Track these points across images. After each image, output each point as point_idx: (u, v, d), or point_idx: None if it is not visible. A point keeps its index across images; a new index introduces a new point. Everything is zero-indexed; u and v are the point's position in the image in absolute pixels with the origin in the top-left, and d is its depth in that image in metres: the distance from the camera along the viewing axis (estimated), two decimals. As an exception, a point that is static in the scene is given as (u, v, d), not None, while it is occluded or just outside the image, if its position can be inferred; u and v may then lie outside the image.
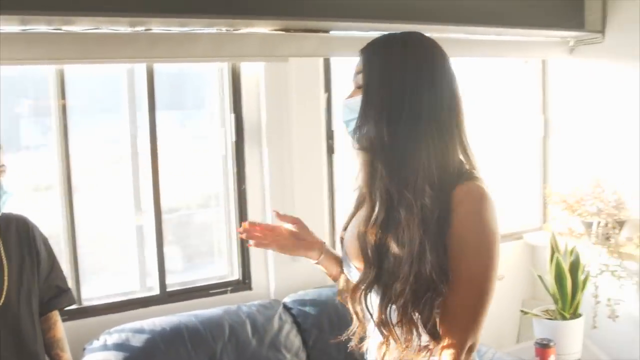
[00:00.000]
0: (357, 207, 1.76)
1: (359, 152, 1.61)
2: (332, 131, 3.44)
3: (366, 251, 1.57)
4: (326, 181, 3.43)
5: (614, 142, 3.74)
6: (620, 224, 3.58)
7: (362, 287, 1.58)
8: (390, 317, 1.53)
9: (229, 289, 3.22)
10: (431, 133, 1.52)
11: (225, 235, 3.31)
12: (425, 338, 1.52)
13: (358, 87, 1.60)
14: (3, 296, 2.11)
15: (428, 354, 1.52)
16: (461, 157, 1.56)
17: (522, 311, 3.77)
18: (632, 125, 3.64)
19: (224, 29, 2.92)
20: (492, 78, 4.15)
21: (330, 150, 3.44)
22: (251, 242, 1.83)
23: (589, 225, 3.59)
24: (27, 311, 2.20)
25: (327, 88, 3.40)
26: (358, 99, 1.58)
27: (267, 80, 3.18)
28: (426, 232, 1.47)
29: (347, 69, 3.33)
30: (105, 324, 2.82)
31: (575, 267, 3.43)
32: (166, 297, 3.08)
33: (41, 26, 2.56)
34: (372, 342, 1.70)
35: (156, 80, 2.99)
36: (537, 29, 3.71)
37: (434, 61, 1.56)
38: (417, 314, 1.49)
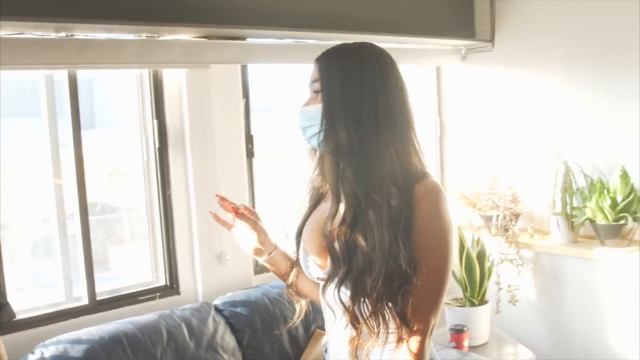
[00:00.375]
0: (312, 207, 1.87)
1: (324, 156, 1.73)
2: (252, 135, 3.51)
3: (334, 249, 1.67)
4: (247, 184, 3.50)
5: (506, 141, 4.08)
6: (516, 216, 3.91)
7: (333, 284, 1.67)
8: (363, 310, 1.64)
9: (158, 294, 3.21)
10: (392, 136, 1.66)
11: (150, 241, 3.29)
12: (392, 326, 1.65)
13: (315, 93, 1.71)
14: None
15: (398, 342, 1.65)
16: (415, 158, 1.70)
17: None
18: (521, 125, 4.00)
19: (148, 36, 2.92)
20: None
21: (250, 154, 3.51)
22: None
23: (488, 219, 3.89)
24: None
25: (245, 94, 3.48)
26: (316, 107, 1.69)
27: (189, 86, 3.20)
28: (396, 230, 1.59)
29: (261, 76, 3.48)
30: (37, 337, 2.74)
31: (481, 256, 3.71)
32: (96, 306, 3.02)
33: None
34: (334, 338, 1.81)
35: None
36: (432, 38, 3.93)
37: (386, 68, 1.71)
38: (390, 305, 1.61)
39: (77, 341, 2.70)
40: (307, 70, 3.30)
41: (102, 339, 2.73)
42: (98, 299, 3.06)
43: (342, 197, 1.67)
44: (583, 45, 3.71)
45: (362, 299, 1.63)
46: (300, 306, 1.94)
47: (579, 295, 3.79)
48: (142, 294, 3.20)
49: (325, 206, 1.79)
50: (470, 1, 4.13)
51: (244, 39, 3.24)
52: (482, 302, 3.72)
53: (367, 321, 1.63)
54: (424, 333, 1.62)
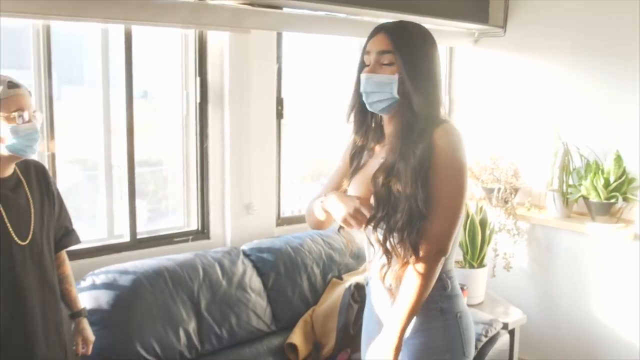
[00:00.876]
0: (358, 163, 2.17)
1: (395, 119, 2.03)
2: (282, 98, 3.81)
3: (379, 195, 1.99)
4: (275, 141, 3.80)
5: (510, 121, 4.41)
6: (516, 190, 4.24)
7: (374, 221, 1.99)
8: (392, 241, 1.96)
9: (190, 237, 3.52)
10: (440, 99, 2.02)
11: (185, 189, 3.58)
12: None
13: (384, 64, 1.98)
14: (30, 233, 2.31)
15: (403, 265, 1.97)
16: (442, 110, 2.04)
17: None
18: (525, 107, 4.33)
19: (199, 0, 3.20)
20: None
21: (279, 115, 3.80)
22: None
23: (490, 191, 4.22)
24: (47, 247, 2.40)
25: (279, 59, 3.76)
26: (387, 77, 1.96)
27: (231, 48, 3.47)
28: (417, 176, 1.91)
29: (294, 44, 3.74)
30: (83, 267, 3.03)
31: (483, 223, 4.04)
32: (136, 243, 3.33)
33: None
34: (373, 270, 2.13)
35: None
36: (447, 20, 4.22)
37: (435, 46, 2.06)
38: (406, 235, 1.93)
39: (125, 272, 3.01)
40: (335, 40, 3.64)
41: (147, 272, 3.04)
42: (138, 237, 3.35)
43: (396, 150, 1.98)
44: (587, 38, 4.03)
45: (392, 233, 1.96)
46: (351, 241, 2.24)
47: (568, 266, 4.14)
48: (177, 236, 3.51)
49: (373, 161, 2.10)
50: (486, -13, 4.44)
51: (281, 8, 3.52)
52: (481, 265, 4.05)
53: (395, 248, 1.95)
54: (429, 252, 1.92)
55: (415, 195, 1.91)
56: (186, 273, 3.12)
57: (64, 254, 2.60)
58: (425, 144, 1.93)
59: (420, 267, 1.92)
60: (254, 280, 3.35)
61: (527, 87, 4.32)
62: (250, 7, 3.35)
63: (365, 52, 2.04)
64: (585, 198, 3.93)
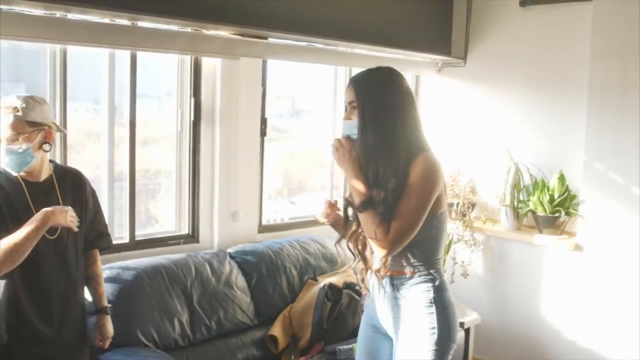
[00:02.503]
0: None
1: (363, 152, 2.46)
2: (265, 118, 4.25)
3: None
4: (258, 156, 4.24)
5: (469, 142, 4.91)
6: (473, 205, 4.73)
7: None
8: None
9: (182, 240, 3.92)
10: (407, 133, 2.42)
11: (177, 197, 3.99)
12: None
13: (353, 109, 2.44)
14: (58, 231, 2.67)
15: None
16: (421, 142, 2.46)
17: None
18: (482, 130, 4.84)
19: (195, 29, 3.60)
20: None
21: (263, 133, 4.25)
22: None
23: (450, 206, 4.69)
24: (72, 245, 2.75)
25: (263, 83, 4.21)
26: (354, 122, 2.42)
27: (223, 73, 3.90)
28: (395, 194, 2.37)
29: (283, 72, 4.17)
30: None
31: (443, 234, 4.51)
32: (134, 244, 3.72)
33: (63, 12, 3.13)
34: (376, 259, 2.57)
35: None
36: (414, 51, 4.72)
37: (402, 89, 2.46)
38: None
39: (127, 268, 3.40)
40: (313, 68, 4.10)
41: (146, 268, 3.43)
42: (136, 239, 3.75)
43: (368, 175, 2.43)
44: (535, 71, 4.58)
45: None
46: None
47: (519, 273, 4.62)
48: (170, 239, 3.91)
49: None
50: (449, 24, 4.96)
51: (266, 38, 3.96)
52: (441, 272, 4.51)
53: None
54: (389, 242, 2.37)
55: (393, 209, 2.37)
56: (180, 270, 3.52)
57: (95, 254, 2.94)
58: (401, 175, 2.36)
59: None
60: (239, 279, 3.76)
61: (484, 112, 4.83)
62: (240, 37, 3.78)
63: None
64: (533, 212, 4.42)
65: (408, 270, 2.48)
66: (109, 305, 2.96)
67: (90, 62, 3.72)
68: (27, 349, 2.61)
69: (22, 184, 2.61)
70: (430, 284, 2.47)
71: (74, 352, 2.80)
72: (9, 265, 2.46)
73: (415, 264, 2.46)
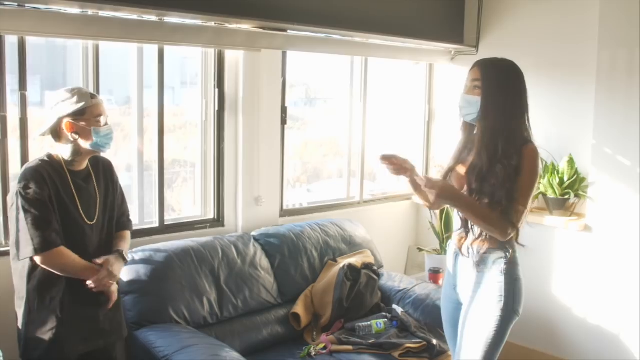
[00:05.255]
0: (457, 160, 2.89)
1: (474, 129, 2.77)
2: (286, 107, 4.44)
3: (474, 183, 2.71)
4: (279, 143, 4.43)
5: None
6: (485, 187, 4.89)
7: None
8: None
9: (208, 224, 4.13)
10: (518, 119, 2.71)
11: (203, 184, 4.19)
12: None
13: (474, 88, 2.71)
14: (96, 216, 2.88)
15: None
16: (526, 132, 2.72)
17: (418, 249, 5.03)
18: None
19: (218, 24, 3.78)
20: (393, 75, 5.37)
21: (284, 121, 4.43)
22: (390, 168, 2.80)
23: (463, 188, 4.86)
24: (108, 227, 2.96)
25: (283, 73, 4.40)
26: (475, 98, 2.69)
27: (245, 64, 4.09)
28: (509, 179, 2.63)
29: (298, 62, 4.34)
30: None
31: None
32: (164, 228, 3.94)
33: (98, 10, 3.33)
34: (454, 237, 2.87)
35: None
36: (428, 41, 4.89)
37: (519, 81, 2.76)
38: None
39: (158, 250, 3.61)
40: (334, 58, 4.25)
41: (177, 250, 3.64)
42: (165, 223, 3.96)
43: (484, 155, 2.67)
44: (547, 55, 4.72)
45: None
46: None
47: (530, 253, 4.71)
48: (196, 223, 4.12)
49: (467, 160, 2.82)
50: (461, 13, 5.12)
51: (286, 31, 4.14)
52: (454, 252, 4.70)
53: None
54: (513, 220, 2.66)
55: (502, 192, 2.62)
56: (208, 252, 3.73)
57: (125, 234, 3.09)
58: (517, 158, 2.63)
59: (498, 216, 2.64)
60: (263, 261, 3.97)
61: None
62: (261, 30, 3.97)
63: (466, 79, 2.78)
64: (544, 194, 4.59)
65: (488, 243, 2.73)
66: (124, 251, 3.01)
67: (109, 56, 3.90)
68: (76, 324, 2.80)
69: (67, 173, 2.80)
70: (504, 257, 2.73)
71: (119, 325, 3.02)
72: (54, 268, 2.71)
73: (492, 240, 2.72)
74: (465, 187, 2.76)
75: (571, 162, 4.47)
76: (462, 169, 2.82)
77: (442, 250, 4.65)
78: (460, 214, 2.78)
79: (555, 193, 4.49)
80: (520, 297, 2.79)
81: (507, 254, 2.74)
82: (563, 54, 4.62)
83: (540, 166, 2.73)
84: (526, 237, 4.78)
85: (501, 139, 2.65)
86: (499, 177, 2.63)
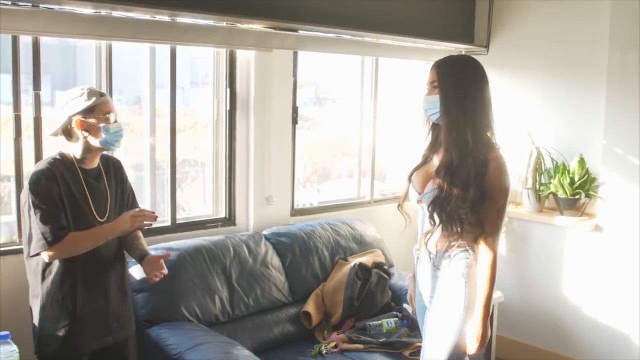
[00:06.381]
0: (424, 161, 2.87)
1: (439, 127, 2.73)
2: (297, 107, 4.45)
3: (444, 178, 2.66)
4: (290, 143, 4.45)
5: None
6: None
7: (427, 203, 2.70)
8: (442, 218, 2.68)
9: (219, 223, 4.15)
10: (478, 118, 2.68)
11: (215, 183, 4.21)
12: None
13: (433, 88, 2.70)
14: (107, 213, 2.90)
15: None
16: (489, 133, 2.71)
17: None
18: (504, 116, 4.95)
19: (230, 24, 3.81)
20: (404, 75, 5.39)
21: (294, 121, 4.45)
22: None
23: (473, 188, 4.87)
24: None
25: (294, 73, 4.42)
26: (435, 97, 2.67)
27: (256, 64, 4.11)
28: (475, 177, 2.60)
29: (307, 62, 4.35)
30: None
31: (467, 215, 4.69)
32: (176, 227, 3.96)
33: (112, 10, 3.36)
34: (420, 241, 2.83)
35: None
36: (438, 41, 4.90)
37: (478, 76, 2.74)
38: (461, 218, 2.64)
39: (170, 248, 3.62)
40: (344, 58, 4.30)
41: (189, 248, 3.67)
42: (177, 222, 3.98)
43: (452, 152, 2.65)
44: (557, 56, 4.73)
45: (442, 212, 2.66)
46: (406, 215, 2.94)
47: (541, 253, 4.80)
48: (208, 222, 4.14)
49: (432, 161, 2.81)
50: (472, 13, 5.13)
51: (297, 31, 4.15)
52: (465, 251, 4.71)
53: (442, 224, 2.67)
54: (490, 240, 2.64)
55: (469, 192, 2.60)
56: (220, 251, 3.75)
57: (137, 233, 3.10)
58: (479, 164, 2.61)
59: (485, 257, 2.63)
60: (274, 260, 3.98)
61: (506, 99, 4.98)
62: (272, 30, 3.99)
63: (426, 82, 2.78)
64: (554, 195, 4.59)
65: (451, 244, 2.70)
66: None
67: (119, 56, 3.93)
68: (87, 321, 2.84)
69: (79, 171, 2.83)
70: (464, 260, 2.69)
71: (127, 322, 3.05)
72: (70, 254, 2.74)
73: (457, 239, 2.69)
74: (429, 186, 2.73)
75: (582, 162, 4.47)
76: (426, 169, 2.81)
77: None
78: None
79: (566, 193, 4.50)
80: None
81: (467, 256, 2.70)
82: (574, 55, 4.63)
83: (509, 177, 2.71)
84: (536, 237, 4.88)
85: (469, 132, 2.62)
86: (471, 172, 2.60)
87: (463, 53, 5.21)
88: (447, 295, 2.71)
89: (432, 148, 2.84)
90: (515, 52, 4.96)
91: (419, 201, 2.79)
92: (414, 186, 2.83)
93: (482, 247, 2.64)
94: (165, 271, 2.98)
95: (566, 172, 4.51)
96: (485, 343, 2.68)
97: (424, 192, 2.75)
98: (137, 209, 2.88)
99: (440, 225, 2.67)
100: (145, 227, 2.89)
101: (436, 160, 2.78)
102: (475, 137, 2.63)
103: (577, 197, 4.50)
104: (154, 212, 2.86)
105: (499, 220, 2.65)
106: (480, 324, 2.65)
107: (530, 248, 4.87)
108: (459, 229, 2.64)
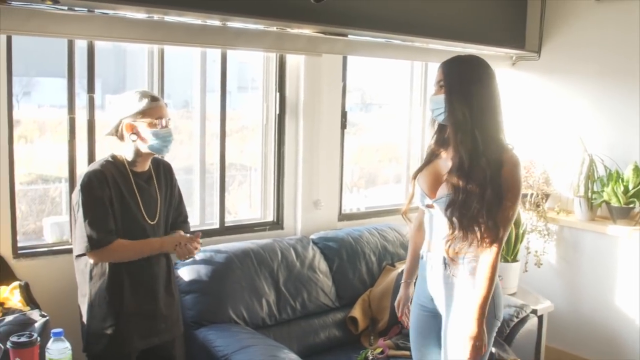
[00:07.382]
0: (429, 160, 2.79)
1: (445, 127, 2.66)
2: (346, 112, 4.45)
3: (459, 182, 2.58)
4: (339, 148, 4.45)
5: (543, 134, 5.00)
6: (547, 195, 4.83)
7: (443, 206, 2.62)
8: (463, 223, 2.58)
9: (267, 227, 4.17)
10: (487, 117, 2.58)
11: (263, 186, 4.24)
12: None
13: (440, 87, 2.63)
14: (157, 216, 2.94)
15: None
16: (501, 135, 2.62)
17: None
18: (556, 122, 4.92)
19: (282, 29, 3.82)
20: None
21: (343, 125, 4.46)
22: None
23: (523, 196, 4.80)
24: (165, 227, 3.02)
25: (344, 78, 4.42)
26: (441, 96, 2.60)
27: (306, 69, 4.12)
28: (492, 178, 2.53)
29: (354, 67, 4.34)
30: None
31: (517, 223, 4.63)
32: (224, 230, 3.99)
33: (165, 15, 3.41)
34: (434, 245, 2.75)
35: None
36: (488, 46, 4.82)
37: (486, 75, 2.63)
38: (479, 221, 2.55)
39: (218, 251, 3.66)
40: (391, 63, 4.27)
41: (237, 251, 3.69)
42: (225, 225, 4.01)
43: (462, 154, 2.58)
44: (611, 63, 4.63)
45: (462, 217, 2.57)
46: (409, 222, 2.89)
47: (592, 263, 4.70)
48: (256, 225, 4.17)
49: (439, 161, 2.73)
50: (523, 17, 5.06)
51: (347, 36, 4.15)
52: (514, 260, 4.64)
53: (463, 229, 2.57)
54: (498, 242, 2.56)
55: (486, 193, 2.52)
56: (267, 254, 3.76)
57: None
58: (493, 164, 2.53)
59: (488, 255, 2.55)
60: (321, 264, 3.98)
61: (558, 105, 4.92)
62: (322, 35, 3.99)
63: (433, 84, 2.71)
64: (607, 203, 4.50)
65: (468, 250, 2.61)
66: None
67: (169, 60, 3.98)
68: (134, 321, 2.87)
69: (130, 173, 2.87)
70: (475, 263, 2.61)
71: (174, 324, 3.08)
72: (114, 260, 2.80)
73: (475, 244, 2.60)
74: (443, 190, 2.66)
75: (636, 170, 4.37)
76: (432, 170, 2.74)
77: (502, 257, 4.58)
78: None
79: (620, 202, 4.40)
80: (500, 303, 2.70)
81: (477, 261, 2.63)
82: (628, 58, 4.52)
83: (522, 178, 2.64)
84: (588, 246, 4.79)
85: (477, 132, 2.53)
86: (486, 173, 2.52)
87: (513, 58, 5.16)
88: (464, 302, 2.64)
89: (437, 148, 2.77)
90: (567, 58, 4.87)
91: (428, 205, 2.72)
92: (421, 188, 2.76)
93: (487, 246, 2.56)
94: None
95: (620, 180, 4.41)
96: (482, 346, 2.57)
97: (436, 197, 2.67)
98: (188, 237, 2.96)
99: (461, 230, 2.58)
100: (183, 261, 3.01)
101: (442, 161, 2.72)
102: (485, 136, 2.55)
103: (631, 205, 4.39)
104: (199, 245, 2.97)
105: (510, 221, 2.58)
106: (476, 325, 2.55)
107: (581, 257, 4.77)
108: (478, 235, 2.56)
